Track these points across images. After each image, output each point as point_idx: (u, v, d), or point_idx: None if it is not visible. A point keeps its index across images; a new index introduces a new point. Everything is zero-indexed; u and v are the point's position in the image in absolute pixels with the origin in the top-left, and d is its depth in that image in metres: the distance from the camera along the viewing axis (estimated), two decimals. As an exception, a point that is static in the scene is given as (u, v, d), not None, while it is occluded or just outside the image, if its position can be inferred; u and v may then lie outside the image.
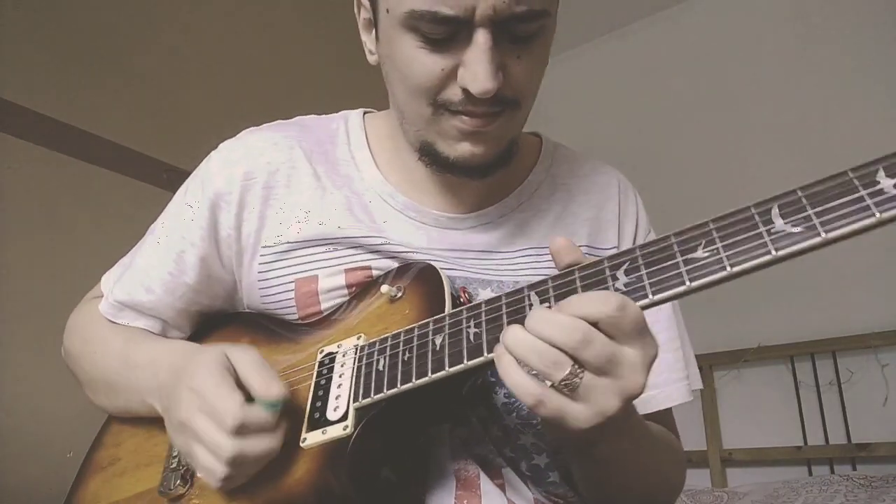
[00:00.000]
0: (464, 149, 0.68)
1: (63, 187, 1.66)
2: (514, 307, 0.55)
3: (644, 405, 0.76)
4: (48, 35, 1.68)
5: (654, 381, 0.76)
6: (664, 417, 0.78)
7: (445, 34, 0.62)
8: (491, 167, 0.71)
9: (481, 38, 0.61)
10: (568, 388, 0.49)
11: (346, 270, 0.73)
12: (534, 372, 0.49)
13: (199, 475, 0.62)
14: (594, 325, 0.49)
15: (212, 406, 0.57)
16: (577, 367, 0.48)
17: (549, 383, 0.49)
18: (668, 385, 0.77)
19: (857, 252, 2.45)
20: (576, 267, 0.54)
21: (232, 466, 0.57)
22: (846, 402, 2.39)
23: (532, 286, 0.55)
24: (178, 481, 0.68)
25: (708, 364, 2.64)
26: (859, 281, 2.46)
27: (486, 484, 0.67)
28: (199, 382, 0.60)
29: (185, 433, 0.60)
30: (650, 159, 2.99)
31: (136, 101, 1.86)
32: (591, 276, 0.53)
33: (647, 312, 0.79)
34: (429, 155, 0.71)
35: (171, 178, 1.80)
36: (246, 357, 0.62)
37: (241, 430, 0.57)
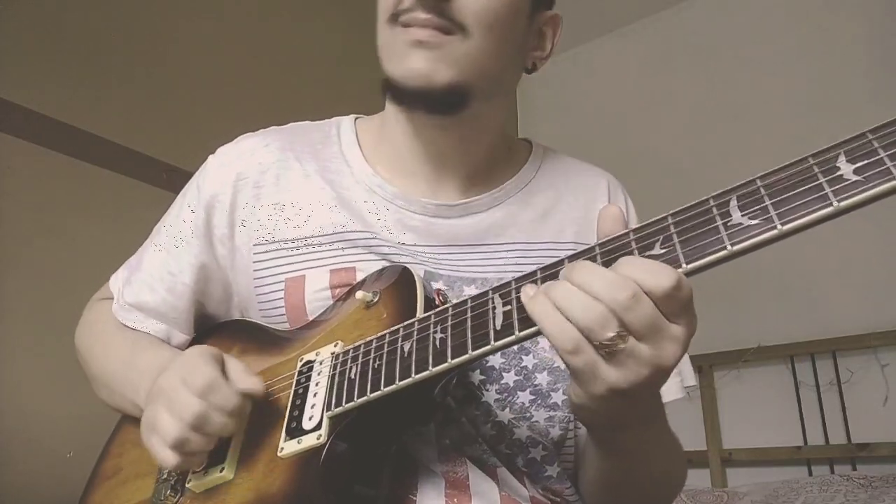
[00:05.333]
0: (409, 63, 0.69)
1: (63, 187, 1.66)
2: (478, 310, 0.54)
3: None
4: (48, 35, 1.68)
5: None
6: None
7: None
8: (438, 99, 0.71)
9: None
10: (608, 350, 0.46)
11: (332, 271, 0.74)
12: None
13: (150, 445, 0.62)
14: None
15: (190, 373, 0.61)
16: (622, 330, 0.46)
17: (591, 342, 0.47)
18: None
19: (857, 252, 2.45)
20: (538, 267, 0.53)
21: (190, 429, 0.59)
22: (846, 402, 2.39)
23: (496, 289, 0.55)
24: (169, 491, 0.68)
25: (708, 364, 2.64)
26: (859, 281, 2.45)
27: (478, 484, 0.66)
28: (186, 359, 0.64)
29: (158, 400, 0.62)
30: (650, 159, 3.00)
31: (136, 101, 1.85)
32: (553, 276, 0.51)
33: None
34: (391, 88, 0.73)
35: (171, 178, 1.80)
36: (235, 359, 0.66)
37: (207, 393, 0.59)
